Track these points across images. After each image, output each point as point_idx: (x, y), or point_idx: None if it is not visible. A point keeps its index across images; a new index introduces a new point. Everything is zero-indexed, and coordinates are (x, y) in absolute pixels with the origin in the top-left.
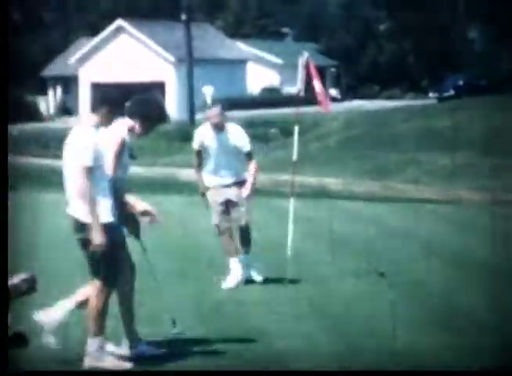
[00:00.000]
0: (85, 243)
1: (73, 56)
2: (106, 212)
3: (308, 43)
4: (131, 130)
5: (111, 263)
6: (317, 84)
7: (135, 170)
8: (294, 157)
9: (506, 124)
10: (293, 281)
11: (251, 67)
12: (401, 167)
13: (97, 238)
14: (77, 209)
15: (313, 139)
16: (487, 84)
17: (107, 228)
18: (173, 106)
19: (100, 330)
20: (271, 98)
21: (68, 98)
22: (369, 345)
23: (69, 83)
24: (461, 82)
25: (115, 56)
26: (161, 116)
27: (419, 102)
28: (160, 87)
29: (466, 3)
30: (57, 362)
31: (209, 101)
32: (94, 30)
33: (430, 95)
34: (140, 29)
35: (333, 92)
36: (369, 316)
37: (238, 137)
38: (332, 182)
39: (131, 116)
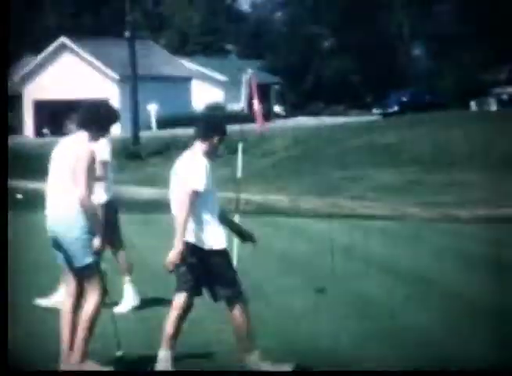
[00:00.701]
0: (194, 266)
1: (16, 75)
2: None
3: (253, 60)
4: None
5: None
6: (256, 103)
7: None
8: (239, 173)
9: (451, 140)
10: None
11: (196, 84)
12: (347, 183)
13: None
14: (195, 234)
15: (259, 155)
16: (431, 101)
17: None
18: (117, 123)
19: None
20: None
21: (12, 117)
22: (316, 362)
23: (12, 101)
24: (405, 98)
25: (58, 74)
26: (113, 115)
27: (363, 118)
28: None
29: (410, 20)
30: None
31: (153, 118)
32: (37, 48)
33: (375, 111)
34: (83, 46)
35: (278, 108)
36: (314, 332)
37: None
38: (278, 199)
39: (84, 126)
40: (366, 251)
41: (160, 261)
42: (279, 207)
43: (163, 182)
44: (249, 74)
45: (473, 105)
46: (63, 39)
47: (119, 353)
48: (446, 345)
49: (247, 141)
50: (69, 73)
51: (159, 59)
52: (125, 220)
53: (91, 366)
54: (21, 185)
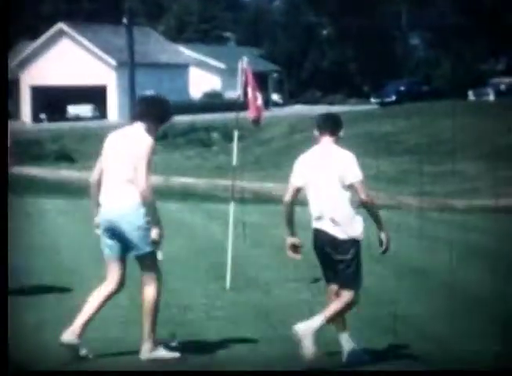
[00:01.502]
0: (331, 256)
1: (13, 60)
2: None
3: (251, 48)
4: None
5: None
6: (250, 91)
7: (73, 174)
8: (234, 161)
9: (448, 129)
10: (233, 286)
11: (193, 72)
12: None
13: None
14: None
15: (256, 143)
16: (429, 90)
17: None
18: (114, 110)
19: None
20: (213, 102)
21: (9, 102)
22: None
23: (10, 87)
24: (402, 88)
25: (56, 60)
26: (170, 110)
27: (361, 107)
28: (101, 90)
29: (408, 10)
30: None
31: None
32: (34, 34)
33: (372, 100)
34: (81, 33)
35: (276, 96)
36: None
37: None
38: (274, 188)
39: (143, 118)
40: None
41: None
42: (276, 195)
43: (159, 168)
44: (244, 62)
45: (470, 95)
46: (61, 25)
47: (174, 343)
48: (440, 334)
49: (244, 129)
50: (66, 59)
51: (157, 46)
52: None
53: (162, 353)
54: (21, 171)
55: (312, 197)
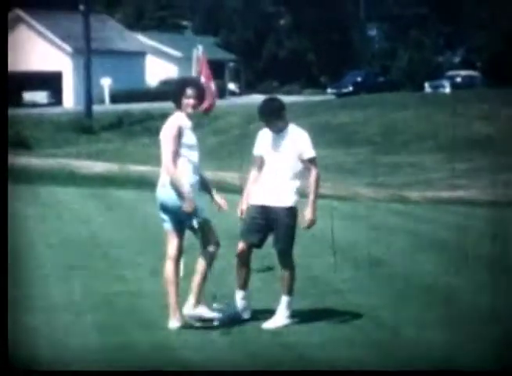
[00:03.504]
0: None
1: None
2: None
3: (208, 36)
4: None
5: None
6: (203, 80)
7: (31, 161)
8: None
9: (404, 121)
10: (186, 274)
11: (150, 59)
12: None
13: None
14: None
15: (211, 132)
16: (385, 82)
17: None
18: (70, 96)
19: None
20: (169, 90)
21: None
22: (262, 340)
23: None
24: (359, 79)
25: (12, 46)
26: (182, 90)
27: (317, 98)
28: (57, 77)
29: (366, 1)
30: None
31: (106, 93)
32: None
33: (329, 91)
34: (38, 19)
35: (232, 86)
36: (267, 310)
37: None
38: (229, 177)
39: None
40: (315, 230)
41: (109, 235)
42: (229, 184)
43: (115, 156)
44: (199, 50)
45: (427, 87)
46: (18, 11)
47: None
48: (394, 323)
49: (200, 117)
50: (23, 45)
51: (113, 34)
52: (82, 194)
53: (203, 310)
54: None
55: (266, 169)
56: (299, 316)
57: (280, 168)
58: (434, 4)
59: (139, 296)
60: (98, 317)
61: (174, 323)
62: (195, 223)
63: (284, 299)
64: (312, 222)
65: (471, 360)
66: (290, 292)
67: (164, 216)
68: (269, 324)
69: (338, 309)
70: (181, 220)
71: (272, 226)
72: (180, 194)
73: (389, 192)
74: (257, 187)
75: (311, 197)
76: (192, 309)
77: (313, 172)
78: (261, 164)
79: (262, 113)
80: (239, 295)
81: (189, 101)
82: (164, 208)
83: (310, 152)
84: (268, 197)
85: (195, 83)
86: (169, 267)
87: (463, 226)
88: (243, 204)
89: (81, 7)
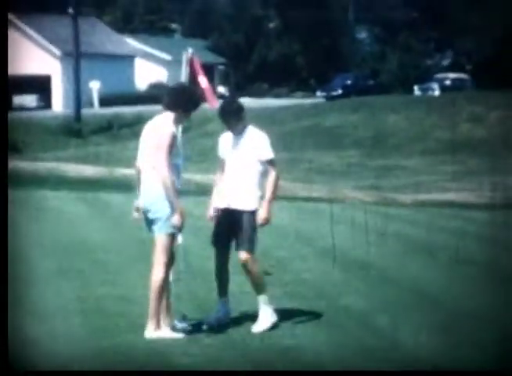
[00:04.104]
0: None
1: None
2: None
3: (197, 40)
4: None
5: None
6: (203, 80)
7: (20, 165)
8: None
9: (393, 124)
10: (175, 277)
11: (139, 63)
12: (288, 165)
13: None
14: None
15: (202, 135)
16: (374, 84)
17: None
18: (59, 100)
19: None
20: (158, 94)
21: None
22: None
23: None
24: (349, 82)
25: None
26: (197, 103)
27: (307, 101)
28: (46, 81)
29: (355, 4)
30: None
31: (95, 96)
32: None
33: (318, 94)
34: (26, 22)
35: (222, 89)
36: (247, 315)
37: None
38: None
39: (172, 107)
40: (304, 233)
41: (99, 239)
42: None
43: (104, 160)
44: (189, 53)
45: (416, 89)
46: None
47: (181, 325)
48: (384, 327)
49: (190, 120)
50: (11, 48)
51: (102, 37)
52: (71, 198)
53: (165, 332)
54: None
55: (227, 172)
56: (289, 319)
57: (239, 169)
58: (423, 7)
59: (128, 300)
60: (88, 320)
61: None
62: (180, 240)
63: (260, 299)
64: (266, 221)
65: (461, 364)
66: (261, 291)
67: (146, 222)
68: (257, 328)
69: (327, 312)
70: (153, 227)
71: (235, 229)
72: (172, 205)
73: (380, 195)
74: (219, 190)
75: (268, 196)
76: (153, 331)
77: (272, 173)
78: (223, 166)
79: (222, 115)
80: (219, 303)
81: (191, 113)
82: (146, 215)
83: (268, 153)
84: (230, 199)
85: (199, 95)
86: (156, 274)
87: (454, 229)
88: (211, 210)
89: (70, 10)
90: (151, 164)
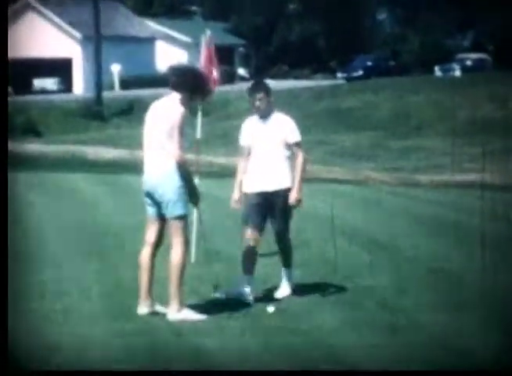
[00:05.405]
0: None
1: None
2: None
3: (218, 22)
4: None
5: None
6: (203, 64)
7: (41, 148)
8: (198, 135)
9: (414, 105)
10: (199, 260)
11: (160, 46)
12: (310, 147)
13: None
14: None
15: (222, 117)
16: (395, 66)
17: None
18: (79, 83)
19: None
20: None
21: None
22: (274, 322)
23: None
24: (370, 63)
25: (22, 33)
26: (203, 86)
27: (328, 82)
28: (67, 64)
29: None
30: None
31: (116, 79)
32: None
33: (339, 75)
34: (47, 6)
35: (242, 71)
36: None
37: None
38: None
39: (180, 89)
40: (327, 214)
41: (121, 221)
42: None
43: (125, 142)
44: (207, 35)
45: (437, 70)
46: None
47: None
48: (405, 307)
49: (211, 103)
50: (32, 32)
51: (123, 20)
52: (92, 180)
53: (187, 314)
54: None
55: (255, 157)
56: (309, 301)
57: (269, 152)
58: None
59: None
60: (109, 302)
61: (142, 309)
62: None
63: (284, 271)
64: (298, 201)
65: (482, 343)
66: (288, 265)
67: (149, 203)
68: (278, 295)
69: (349, 293)
70: (165, 211)
71: (271, 210)
72: (186, 184)
73: (401, 176)
74: (249, 176)
75: (297, 177)
76: (175, 313)
77: (299, 155)
78: (248, 153)
79: (255, 88)
80: (245, 280)
81: (199, 97)
82: (152, 195)
83: (295, 136)
84: (265, 182)
85: (206, 79)
86: (145, 253)
87: (475, 210)
88: (236, 195)
89: None
90: (161, 144)
